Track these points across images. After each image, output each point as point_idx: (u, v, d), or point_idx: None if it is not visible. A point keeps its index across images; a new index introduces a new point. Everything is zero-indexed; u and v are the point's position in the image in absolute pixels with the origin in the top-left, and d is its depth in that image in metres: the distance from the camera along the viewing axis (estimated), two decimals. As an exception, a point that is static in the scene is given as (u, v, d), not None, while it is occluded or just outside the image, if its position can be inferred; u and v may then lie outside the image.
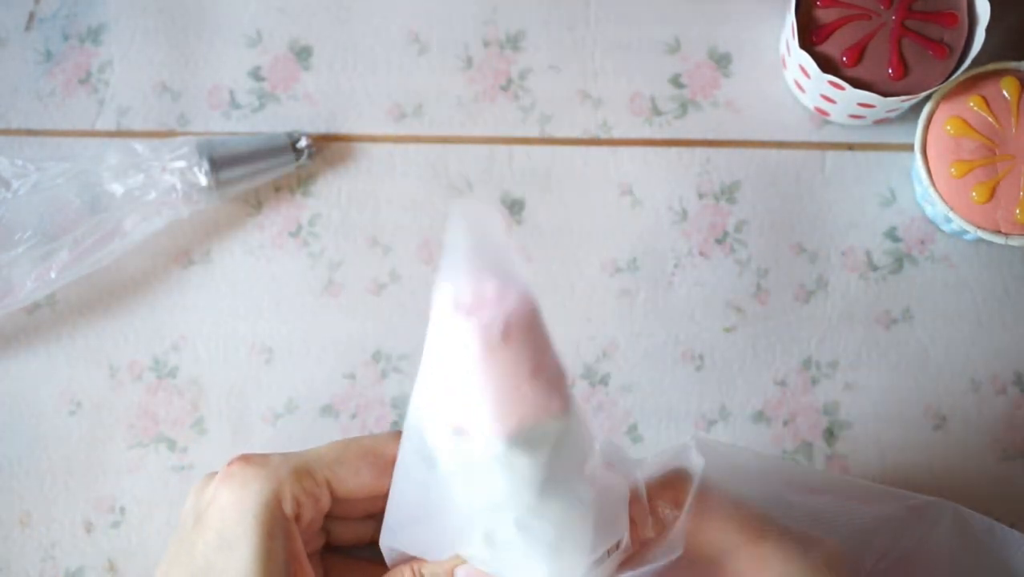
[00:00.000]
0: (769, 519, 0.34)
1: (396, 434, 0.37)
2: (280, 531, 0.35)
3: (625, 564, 0.33)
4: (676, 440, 0.50)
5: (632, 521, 0.33)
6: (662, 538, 0.33)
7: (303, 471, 0.37)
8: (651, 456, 0.36)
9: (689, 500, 0.33)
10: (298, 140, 0.51)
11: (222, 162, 0.49)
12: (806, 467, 0.37)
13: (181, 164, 0.49)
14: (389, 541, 0.37)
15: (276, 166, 0.51)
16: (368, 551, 0.40)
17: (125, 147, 0.49)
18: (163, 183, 0.49)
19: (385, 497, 0.36)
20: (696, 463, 0.34)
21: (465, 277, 0.28)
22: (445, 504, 0.32)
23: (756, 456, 0.39)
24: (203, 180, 0.49)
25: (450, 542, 0.33)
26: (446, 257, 0.28)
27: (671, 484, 0.34)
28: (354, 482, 0.38)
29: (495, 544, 0.31)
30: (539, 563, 0.31)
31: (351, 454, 0.38)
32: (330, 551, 0.41)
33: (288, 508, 0.36)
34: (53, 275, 0.48)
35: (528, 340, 0.28)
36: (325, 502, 0.38)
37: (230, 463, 0.37)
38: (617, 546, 0.32)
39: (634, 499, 0.34)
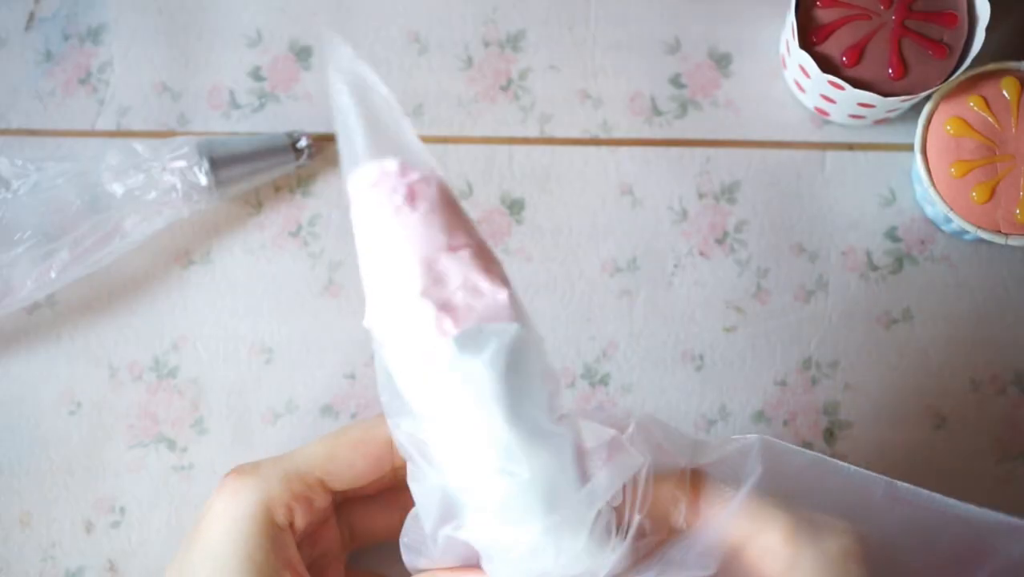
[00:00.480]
0: (784, 506, 0.31)
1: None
2: (269, 542, 0.35)
3: (649, 556, 0.31)
4: (676, 440, 0.50)
5: (657, 501, 0.32)
6: (694, 539, 0.31)
7: (292, 476, 0.37)
8: (712, 442, 0.35)
9: (730, 509, 0.31)
10: (298, 140, 0.51)
11: (222, 162, 0.49)
12: (887, 481, 0.34)
13: (181, 164, 0.49)
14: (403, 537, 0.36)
15: (276, 166, 0.51)
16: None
17: (125, 147, 0.49)
18: (163, 183, 0.49)
19: (391, 474, 0.36)
20: (751, 469, 0.32)
21: (367, 160, 0.30)
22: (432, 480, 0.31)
23: (824, 463, 0.35)
24: (203, 180, 0.49)
25: (442, 518, 0.32)
26: (344, 145, 0.30)
27: (719, 486, 0.33)
28: (350, 475, 0.38)
29: (487, 509, 0.31)
30: (534, 517, 0.30)
31: (342, 448, 0.38)
32: (358, 556, 0.40)
33: (280, 517, 0.36)
34: (53, 275, 0.48)
35: (438, 211, 0.30)
36: (321, 502, 0.37)
37: (226, 474, 0.37)
38: (629, 521, 0.31)
39: (670, 480, 0.32)
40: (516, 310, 0.30)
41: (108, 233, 0.49)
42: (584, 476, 0.31)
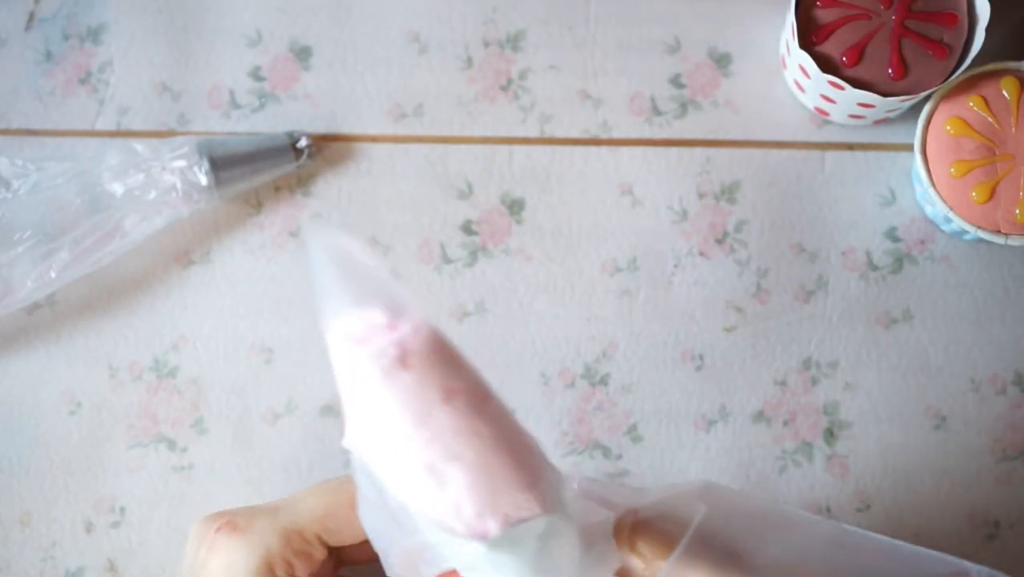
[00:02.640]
0: None
1: None
2: None
3: None
4: (676, 440, 0.50)
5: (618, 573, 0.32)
6: None
7: (292, 533, 0.37)
8: (655, 489, 0.35)
9: (676, 553, 0.31)
10: (298, 140, 0.51)
11: (222, 162, 0.49)
12: (834, 525, 0.34)
13: (181, 164, 0.49)
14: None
15: (276, 166, 0.51)
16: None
17: (125, 147, 0.49)
18: (163, 183, 0.49)
19: None
20: (695, 509, 0.32)
21: (348, 309, 0.27)
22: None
23: (769, 508, 0.35)
24: (203, 180, 0.49)
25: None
26: (322, 295, 0.27)
27: (662, 530, 0.33)
28: (349, 533, 0.37)
29: None
30: None
31: (341, 505, 0.37)
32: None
33: (281, 573, 0.36)
34: (53, 275, 0.48)
35: (434, 366, 0.27)
36: (319, 554, 0.37)
37: (217, 528, 0.37)
38: None
39: (621, 534, 0.33)
40: (545, 500, 0.29)
41: (108, 233, 0.49)
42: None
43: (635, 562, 0.32)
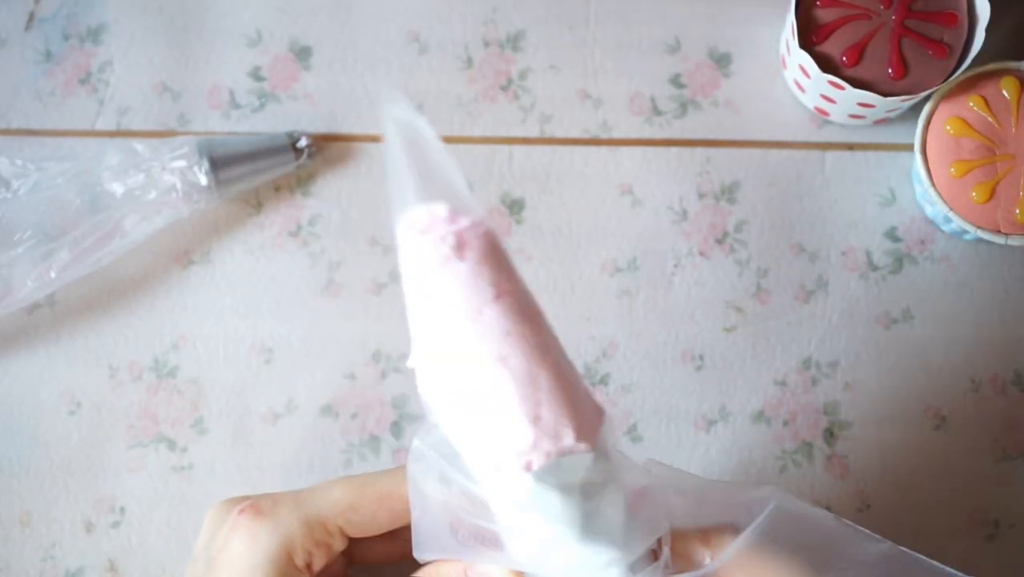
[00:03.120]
0: None
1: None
2: None
3: None
4: (676, 440, 0.50)
5: (677, 555, 0.33)
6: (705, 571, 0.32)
7: (315, 522, 0.37)
8: (723, 485, 0.35)
9: (743, 536, 0.32)
10: (298, 140, 0.51)
11: (222, 162, 0.49)
12: (891, 545, 0.34)
13: (181, 164, 0.49)
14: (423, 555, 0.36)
15: (276, 166, 0.51)
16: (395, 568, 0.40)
17: (125, 147, 0.49)
18: (163, 183, 0.49)
19: (405, 526, 0.36)
20: (764, 503, 0.33)
21: (416, 202, 0.29)
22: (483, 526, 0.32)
23: (833, 519, 0.35)
24: (203, 180, 0.49)
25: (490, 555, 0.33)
26: (394, 187, 0.29)
27: (718, 532, 0.33)
28: (371, 527, 0.38)
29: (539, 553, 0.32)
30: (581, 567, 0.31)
31: (366, 500, 0.37)
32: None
33: (300, 561, 0.36)
34: (53, 275, 0.48)
35: (486, 262, 0.29)
36: (339, 546, 0.37)
37: (241, 509, 0.37)
38: (656, 557, 0.32)
39: (684, 533, 0.33)
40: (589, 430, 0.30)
41: (108, 233, 0.49)
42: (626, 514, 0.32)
43: (698, 548, 0.33)
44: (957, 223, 0.47)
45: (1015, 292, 0.50)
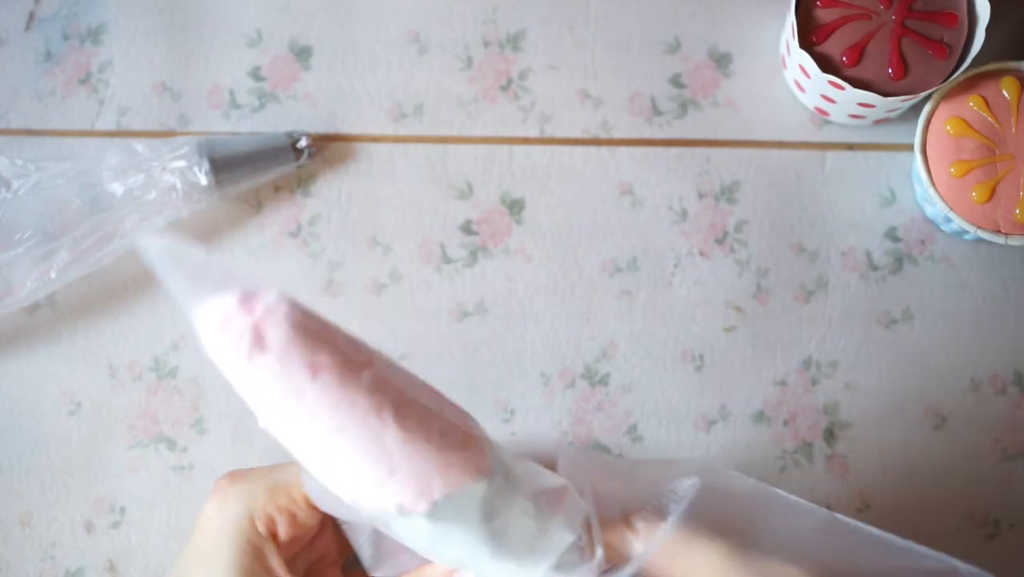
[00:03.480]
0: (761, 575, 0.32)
1: None
2: (252, 548, 0.36)
3: None
4: (676, 440, 0.50)
5: (608, 547, 0.33)
6: (635, 561, 0.32)
7: (279, 489, 0.37)
8: (648, 462, 0.35)
9: (670, 522, 0.32)
10: (298, 140, 0.51)
11: (222, 162, 0.49)
12: (826, 513, 0.35)
13: (181, 164, 0.49)
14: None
15: (276, 166, 0.51)
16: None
17: (125, 147, 0.49)
18: (163, 183, 0.49)
19: None
20: (690, 484, 0.33)
21: (204, 300, 0.27)
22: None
23: (763, 492, 0.36)
24: (203, 180, 0.49)
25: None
26: (178, 294, 0.27)
27: (656, 506, 0.33)
28: None
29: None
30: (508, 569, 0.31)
31: None
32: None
33: (261, 526, 0.37)
34: (53, 275, 0.48)
35: (294, 344, 0.27)
36: (305, 517, 0.38)
37: (219, 478, 0.38)
38: (590, 554, 0.32)
39: (612, 523, 0.33)
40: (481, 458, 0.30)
41: (108, 233, 0.49)
42: (542, 514, 0.31)
43: (627, 536, 0.33)
44: (957, 223, 0.47)
45: (1015, 292, 0.50)
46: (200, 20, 0.54)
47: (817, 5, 0.48)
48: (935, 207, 0.48)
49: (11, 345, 0.51)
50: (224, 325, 0.27)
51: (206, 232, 0.52)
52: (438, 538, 0.30)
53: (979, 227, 0.47)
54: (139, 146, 0.49)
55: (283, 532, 0.37)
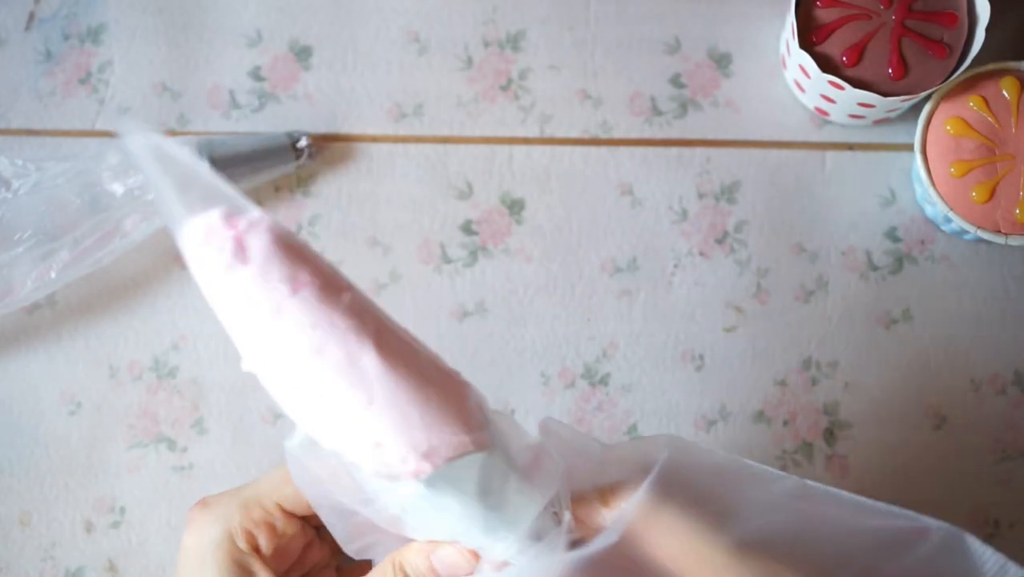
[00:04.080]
0: (733, 549, 0.31)
1: None
2: (236, 566, 0.37)
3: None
4: (676, 440, 0.50)
5: (579, 520, 0.33)
6: (609, 531, 0.32)
7: (251, 503, 0.38)
8: (620, 444, 0.35)
9: (641, 489, 0.31)
10: (298, 140, 0.51)
11: (222, 162, 0.49)
12: (796, 479, 0.35)
13: None
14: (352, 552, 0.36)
15: (276, 166, 0.51)
16: None
17: (125, 147, 0.49)
18: None
19: None
20: (659, 455, 0.33)
21: (190, 215, 0.28)
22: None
23: (735, 462, 0.36)
24: None
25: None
26: (164, 206, 0.28)
27: (627, 477, 0.33)
28: (306, 498, 0.38)
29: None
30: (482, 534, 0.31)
31: None
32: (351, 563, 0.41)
33: (241, 543, 0.37)
34: (53, 275, 0.48)
35: (275, 258, 0.28)
36: (283, 525, 0.38)
37: (191, 508, 0.39)
38: (558, 520, 0.32)
39: (585, 497, 0.33)
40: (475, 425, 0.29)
41: (108, 233, 0.49)
42: (520, 475, 0.31)
43: (599, 509, 0.32)
44: (957, 223, 0.47)
45: (1015, 292, 0.50)
46: (200, 20, 0.54)
47: (817, 5, 0.48)
48: (935, 207, 0.48)
49: (11, 345, 0.51)
50: (208, 237, 0.28)
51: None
52: (431, 509, 0.29)
53: (979, 227, 0.47)
54: None
55: (264, 544, 0.38)
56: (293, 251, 0.28)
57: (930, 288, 0.51)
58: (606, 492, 0.33)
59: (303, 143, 0.51)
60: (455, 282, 0.51)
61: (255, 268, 0.28)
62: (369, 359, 0.28)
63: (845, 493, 0.34)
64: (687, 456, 0.33)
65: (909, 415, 0.50)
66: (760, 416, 0.50)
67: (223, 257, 0.28)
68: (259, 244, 0.28)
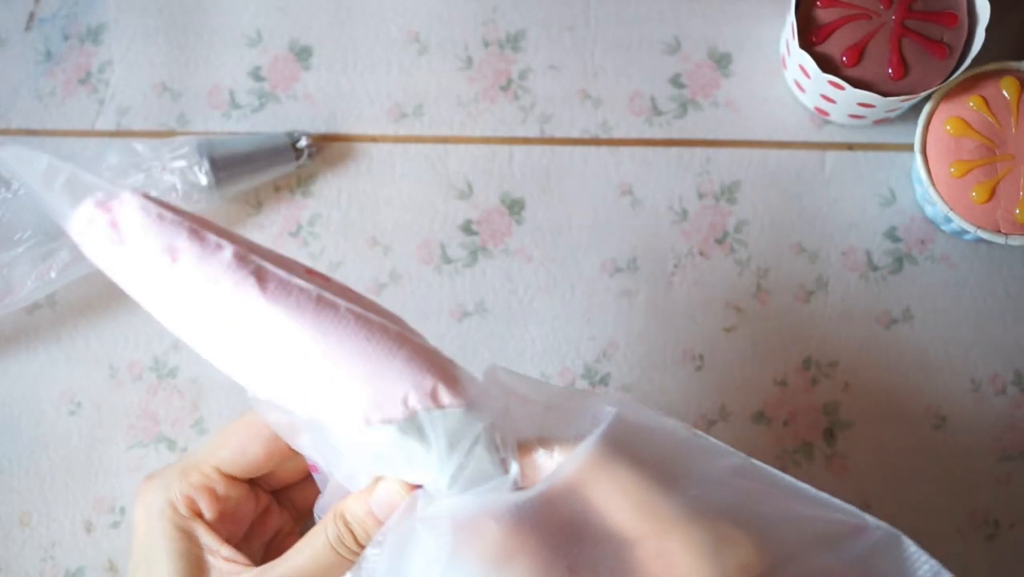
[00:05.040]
0: (680, 507, 0.30)
1: None
2: (179, 532, 0.38)
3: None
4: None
5: (525, 466, 0.32)
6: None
7: (189, 468, 0.39)
8: (571, 391, 0.35)
9: (570, 460, 0.31)
10: (298, 140, 0.51)
11: (222, 162, 0.49)
12: (743, 457, 0.34)
13: (181, 164, 0.49)
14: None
15: (276, 166, 0.51)
16: None
17: (125, 147, 0.49)
18: (163, 183, 0.49)
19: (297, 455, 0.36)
20: (606, 411, 0.32)
21: (71, 211, 0.31)
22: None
23: (683, 431, 0.35)
24: (203, 180, 0.49)
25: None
26: (47, 208, 0.31)
27: (563, 441, 0.32)
28: (245, 460, 0.40)
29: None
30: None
31: (231, 435, 0.40)
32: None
33: (182, 508, 0.38)
34: (53, 275, 0.48)
35: (150, 231, 0.30)
36: (225, 489, 0.39)
37: (139, 483, 0.40)
38: (505, 470, 0.32)
39: (529, 444, 0.32)
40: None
41: (108, 233, 0.49)
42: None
43: (541, 455, 0.32)
44: (957, 223, 0.47)
45: (1015, 292, 0.50)
46: (200, 20, 0.54)
47: (817, 5, 0.48)
48: (935, 207, 0.48)
49: (11, 345, 0.51)
50: (88, 225, 0.30)
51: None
52: (398, 455, 0.30)
53: (979, 227, 0.47)
54: (139, 146, 0.49)
55: (207, 509, 0.39)
56: (168, 221, 0.30)
57: (930, 288, 0.51)
58: (553, 442, 0.32)
59: (303, 143, 0.51)
60: (455, 282, 0.51)
61: (132, 246, 0.30)
62: (259, 304, 0.30)
63: (789, 478, 0.34)
64: (639, 418, 0.33)
65: (909, 415, 0.50)
66: (760, 416, 0.50)
67: (102, 241, 0.30)
68: (130, 222, 0.30)
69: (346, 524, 0.34)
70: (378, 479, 0.33)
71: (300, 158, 0.51)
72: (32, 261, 0.48)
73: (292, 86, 0.53)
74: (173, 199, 0.49)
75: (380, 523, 0.33)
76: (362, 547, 0.34)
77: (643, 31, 0.53)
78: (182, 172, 0.49)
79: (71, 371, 0.51)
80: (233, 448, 0.39)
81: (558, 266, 0.51)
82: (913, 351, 0.50)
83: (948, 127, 0.47)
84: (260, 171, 0.50)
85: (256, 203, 0.52)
